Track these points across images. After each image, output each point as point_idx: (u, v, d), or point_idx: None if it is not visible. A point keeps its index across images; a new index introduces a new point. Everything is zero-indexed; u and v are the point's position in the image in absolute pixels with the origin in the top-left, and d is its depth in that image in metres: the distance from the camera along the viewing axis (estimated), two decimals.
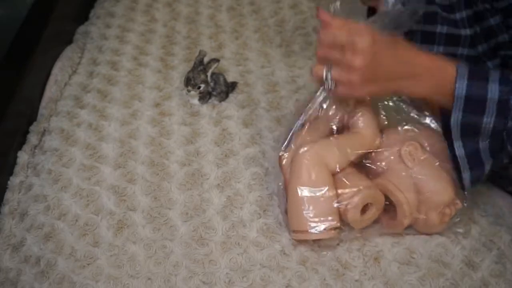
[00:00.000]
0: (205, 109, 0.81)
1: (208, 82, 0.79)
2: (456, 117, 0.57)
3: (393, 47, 0.57)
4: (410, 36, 0.71)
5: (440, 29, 0.70)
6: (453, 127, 0.58)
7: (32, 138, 0.77)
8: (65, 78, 0.86)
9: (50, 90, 0.84)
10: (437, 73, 0.58)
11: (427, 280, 0.60)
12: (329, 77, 0.58)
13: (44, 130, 0.78)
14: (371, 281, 0.60)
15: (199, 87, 0.78)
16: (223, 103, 0.82)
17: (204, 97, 0.80)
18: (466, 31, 0.69)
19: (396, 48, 0.58)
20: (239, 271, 0.60)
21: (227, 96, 0.83)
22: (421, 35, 0.71)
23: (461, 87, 0.56)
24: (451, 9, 0.69)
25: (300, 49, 0.94)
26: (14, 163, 0.73)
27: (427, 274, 0.61)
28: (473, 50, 0.70)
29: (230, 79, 0.85)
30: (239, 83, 0.86)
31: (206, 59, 0.79)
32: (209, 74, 0.79)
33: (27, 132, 0.78)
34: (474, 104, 0.56)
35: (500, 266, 0.61)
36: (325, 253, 0.62)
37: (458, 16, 0.68)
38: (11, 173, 0.72)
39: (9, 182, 0.71)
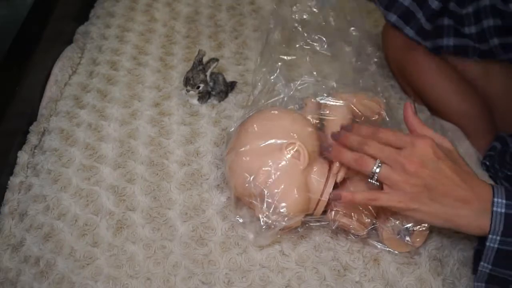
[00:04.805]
0: (204, 109, 0.81)
1: (207, 82, 0.79)
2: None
3: (455, 163, 0.55)
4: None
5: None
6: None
7: (32, 138, 0.77)
8: (65, 78, 0.86)
9: (50, 90, 0.84)
10: (483, 200, 0.54)
11: (426, 280, 0.60)
12: (376, 171, 0.56)
13: (44, 130, 0.78)
14: (371, 283, 0.60)
15: (198, 87, 0.78)
16: (222, 103, 0.82)
17: (204, 97, 0.80)
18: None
19: (459, 165, 0.55)
20: (238, 271, 0.60)
21: (226, 95, 0.83)
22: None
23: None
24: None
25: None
26: (14, 163, 0.73)
27: (426, 273, 0.61)
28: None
29: (229, 78, 0.85)
30: (238, 82, 0.85)
31: (205, 59, 0.79)
32: (208, 73, 0.79)
33: (27, 132, 0.78)
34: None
35: None
36: (325, 253, 0.63)
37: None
38: (11, 173, 0.72)
39: (9, 182, 0.71)
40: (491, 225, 0.53)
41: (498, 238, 0.53)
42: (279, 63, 0.77)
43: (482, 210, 0.53)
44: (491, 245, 0.53)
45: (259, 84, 0.75)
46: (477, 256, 0.56)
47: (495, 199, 0.53)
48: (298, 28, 0.80)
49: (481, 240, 0.56)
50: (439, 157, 0.54)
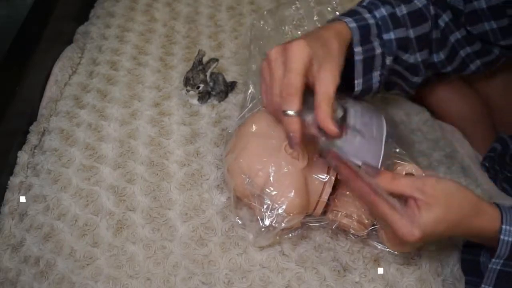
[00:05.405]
0: (204, 109, 0.81)
1: (207, 82, 0.79)
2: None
3: (464, 218, 0.52)
4: None
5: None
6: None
7: (32, 138, 0.77)
8: (65, 78, 0.86)
9: (50, 90, 0.84)
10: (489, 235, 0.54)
11: (426, 281, 0.60)
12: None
13: (44, 130, 0.78)
14: (371, 283, 0.60)
15: (198, 87, 0.78)
16: (222, 103, 0.82)
17: (204, 97, 0.80)
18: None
19: (469, 220, 0.52)
20: (238, 271, 0.60)
21: (226, 96, 0.83)
22: None
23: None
24: None
25: None
26: (14, 163, 0.73)
27: (426, 274, 0.61)
28: None
29: (229, 78, 0.85)
30: (238, 82, 0.85)
31: (205, 59, 0.79)
32: (208, 73, 0.79)
33: (27, 132, 0.78)
34: None
35: None
36: (325, 254, 0.63)
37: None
38: (11, 173, 0.72)
39: (9, 182, 0.71)
40: (496, 251, 0.52)
41: (501, 261, 0.53)
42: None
43: (488, 236, 0.53)
44: (494, 267, 0.53)
45: (251, 84, 0.75)
46: (465, 266, 0.57)
47: (504, 226, 0.52)
48: (295, 30, 0.80)
49: (465, 246, 0.58)
50: (426, 239, 0.53)
